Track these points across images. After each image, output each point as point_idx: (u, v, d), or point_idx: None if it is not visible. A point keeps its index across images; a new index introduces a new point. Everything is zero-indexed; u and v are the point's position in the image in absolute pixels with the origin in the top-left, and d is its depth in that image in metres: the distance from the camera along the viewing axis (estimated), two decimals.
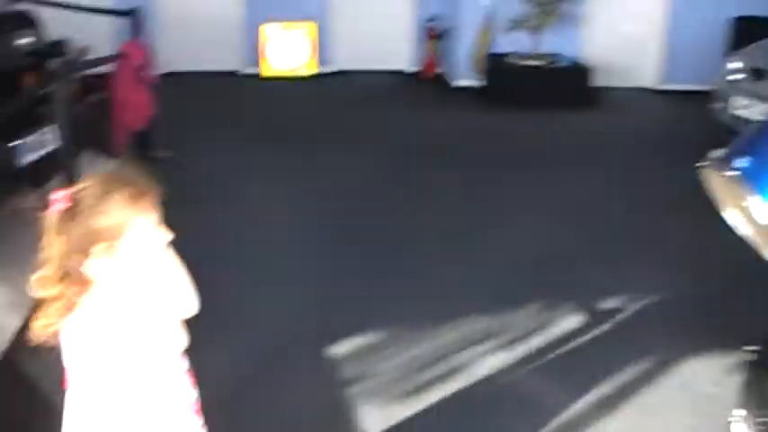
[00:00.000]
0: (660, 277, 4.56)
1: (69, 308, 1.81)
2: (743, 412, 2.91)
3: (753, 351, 2.84)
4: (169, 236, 1.88)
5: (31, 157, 4.56)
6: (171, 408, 1.98)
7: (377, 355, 3.67)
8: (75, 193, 1.79)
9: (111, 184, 1.79)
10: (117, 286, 1.82)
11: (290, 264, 4.66)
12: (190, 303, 1.97)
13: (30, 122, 4.65)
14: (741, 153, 2.51)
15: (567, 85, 8.91)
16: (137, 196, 1.80)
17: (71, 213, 1.77)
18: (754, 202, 2.40)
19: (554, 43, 9.19)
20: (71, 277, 1.80)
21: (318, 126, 7.81)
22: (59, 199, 1.78)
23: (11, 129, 4.33)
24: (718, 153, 2.60)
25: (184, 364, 2.07)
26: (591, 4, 9.53)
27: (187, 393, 2.07)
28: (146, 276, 1.86)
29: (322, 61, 10.36)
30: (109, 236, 1.78)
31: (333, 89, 9.62)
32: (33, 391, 3.21)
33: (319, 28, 10.24)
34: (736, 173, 2.44)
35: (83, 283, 1.81)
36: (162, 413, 1.95)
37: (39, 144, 4.63)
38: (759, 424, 2.86)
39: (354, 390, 3.39)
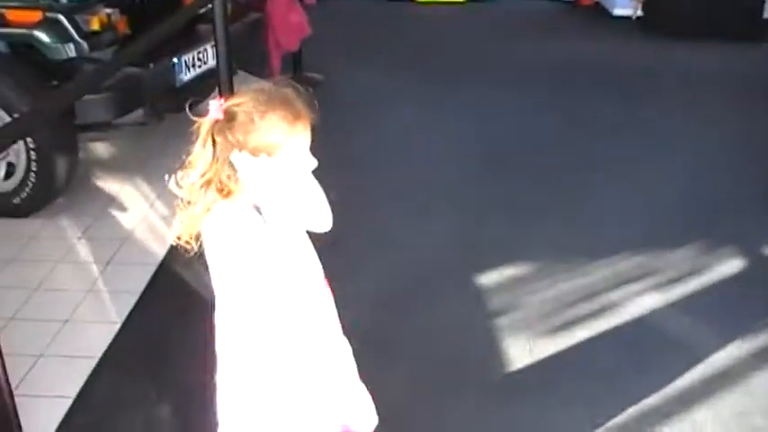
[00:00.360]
0: None
1: (205, 213, 1.82)
2: None
3: None
4: (314, 162, 1.85)
5: (189, 74, 4.65)
6: (315, 328, 1.99)
7: (525, 287, 3.61)
8: (231, 105, 1.78)
9: (267, 103, 1.76)
10: (259, 200, 1.80)
11: (434, 194, 4.61)
12: (324, 219, 1.91)
13: (189, 40, 4.74)
14: None
15: (735, 15, 8.33)
16: (292, 118, 1.76)
17: (224, 125, 1.76)
18: None
19: None
20: (212, 186, 1.80)
21: (469, 53, 7.64)
22: (214, 108, 1.78)
23: (171, 46, 4.41)
24: None
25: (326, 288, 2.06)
26: None
27: (331, 315, 2.07)
28: (287, 193, 1.82)
29: None
30: (259, 153, 1.75)
31: (487, 15, 9.38)
32: (190, 299, 3.33)
33: None
34: None
35: (224, 192, 1.80)
36: (306, 333, 1.96)
37: (198, 61, 4.72)
38: None
39: (501, 322, 3.35)
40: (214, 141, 1.77)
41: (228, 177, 1.79)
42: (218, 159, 1.77)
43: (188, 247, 1.86)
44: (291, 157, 1.78)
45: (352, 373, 2.17)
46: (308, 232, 1.96)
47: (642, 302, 3.50)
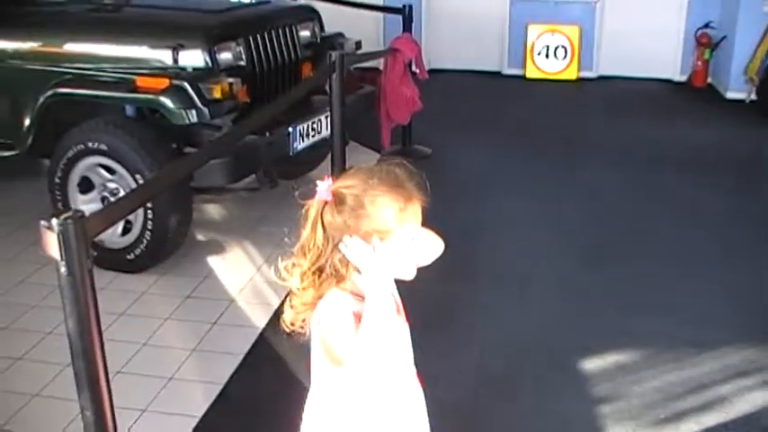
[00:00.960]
0: None
1: (317, 300, 1.76)
2: None
3: None
4: (442, 245, 1.82)
5: (303, 143, 4.78)
6: (401, 412, 1.91)
7: (631, 376, 3.51)
8: (340, 187, 1.72)
9: (378, 186, 1.70)
10: (370, 287, 1.70)
11: (541, 273, 4.57)
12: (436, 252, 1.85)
13: (305, 111, 4.89)
14: None
15: None
16: (404, 201, 1.70)
17: (334, 208, 1.71)
18: None
19: None
20: (325, 271, 1.74)
21: (577, 133, 7.61)
22: (323, 190, 1.73)
23: (289, 115, 4.55)
24: None
25: (413, 369, 1.96)
26: None
27: (417, 397, 1.97)
28: (399, 277, 1.78)
29: (584, 66, 10.13)
30: (370, 237, 1.70)
31: (595, 95, 9.37)
32: (287, 371, 3.37)
33: (582, 32, 10.01)
34: None
35: (338, 277, 1.75)
36: (392, 417, 1.88)
37: (312, 131, 4.85)
38: None
39: (605, 410, 3.27)
40: (324, 225, 1.72)
41: (341, 262, 1.73)
42: (328, 244, 1.72)
43: (300, 332, 1.82)
44: (404, 242, 1.73)
45: None
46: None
47: (752, 398, 3.36)
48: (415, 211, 1.74)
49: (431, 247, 1.84)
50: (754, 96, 8.82)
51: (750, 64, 8.86)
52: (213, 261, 4.65)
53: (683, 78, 9.93)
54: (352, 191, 1.71)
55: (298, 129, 4.71)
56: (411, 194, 1.73)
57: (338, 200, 1.71)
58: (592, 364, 3.59)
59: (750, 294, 4.36)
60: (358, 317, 1.70)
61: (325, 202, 1.72)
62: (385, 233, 1.70)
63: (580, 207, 5.62)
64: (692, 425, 3.18)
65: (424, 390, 1.97)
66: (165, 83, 4.19)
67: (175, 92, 4.18)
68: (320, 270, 1.75)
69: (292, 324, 1.83)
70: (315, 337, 1.79)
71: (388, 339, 1.68)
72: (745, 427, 3.20)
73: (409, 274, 1.80)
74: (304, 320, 1.82)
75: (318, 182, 1.75)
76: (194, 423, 3.16)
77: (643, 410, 3.26)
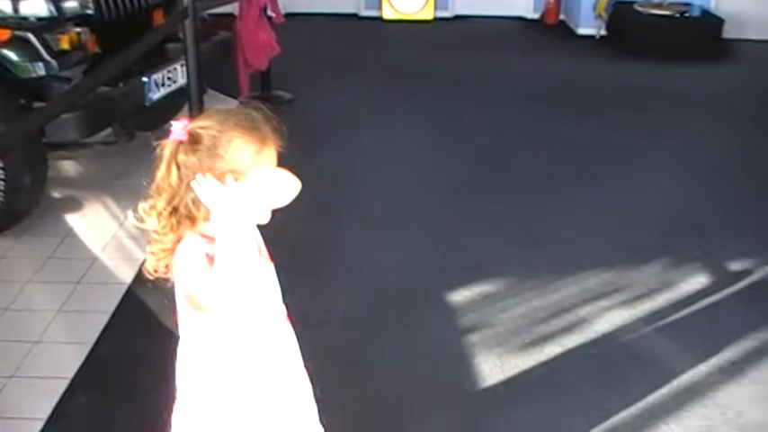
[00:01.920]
0: None
1: (176, 244, 1.75)
2: None
3: None
4: (298, 185, 1.81)
5: (160, 93, 4.66)
6: (274, 351, 1.92)
7: (496, 304, 3.64)
8: (196, 128, 1.71)
9: (235, 127, 1.70)
10: (222, 226, 1.67)
11: (406, 211, 4.65)
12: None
13: (159, 59, 4.75)
14: None
15: (696, 36, 8.52)
16: (259, 143, 1.71)
17: (189, 148, 1.69)
18: None
19: None
20: (180, 213, 1.73)
21: (437, 71, 7.71)
22: (178, 130, 1.71)
23: (142, 65, 4.41)
24: None
25: (283, 309, 1.97)
26: None
27: (288, 338, 1.98)
28: (256, 218, 1.77)
29: (440, 5, 10.22)
30: (224, 177, 1.68)
31: (452, 34, 9.49)
32: (157, 323, 3.33)
33: None
34: None
35: (192, 219, 1.74)
36: (265, 360, 1.89)
37: (168, 80, 4.72)
38: None
39: (473, 338, 3.39)
40: (178, 165, 1.70)
41: (194, 202, 1.71)
42: (182, 183, 1.70)
43: (164, 278, 1.79)
44: (258, 183, 1.72)
45: (312, 414, 2.09)
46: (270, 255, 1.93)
47: (610, 318, 3.55)
48: (270, 153, 1.74)
49: (286, 187, 1.83)
50: (603, 32, 9.15)
51: (598, 1, 9.15)
52: (73, 219, 4.50)
53: (537, 16, 10.16)
54: (208, 131, 1.70)
55: (153, 78, 4.58)
56: (267, 137, 1.74)
57: (193, 139, 1.70)
58: (459, 296, 3.69)
59: (608, 219, 4.58)
60: (212, 259, 1.68)
61: (180, 142, 1.71)
62: (240, 174, 1.70)
63: (443, 144, 5.73)
64: (555, 347, 3.34)
65: (294, 330, 1.99)
66: (6, 34, 3.98)
67: (19, 43, 3.98)
68: (175, 210, 1.73)
69: (155, 271, 1.80)
70: (176, 283, 1.78)
71: (243, 280, 1.66)
72: (605, 346, 3.38)
73: (263, 217, 1.80)
74: (167, 266, 1.79)
75: (173, 122, 1.73)
76: (65, 385, 3.08)
77: (509, 337, 3.40)
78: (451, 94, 6.93)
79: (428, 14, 10.13)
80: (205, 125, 1.71)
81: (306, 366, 2.02)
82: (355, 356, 3.24)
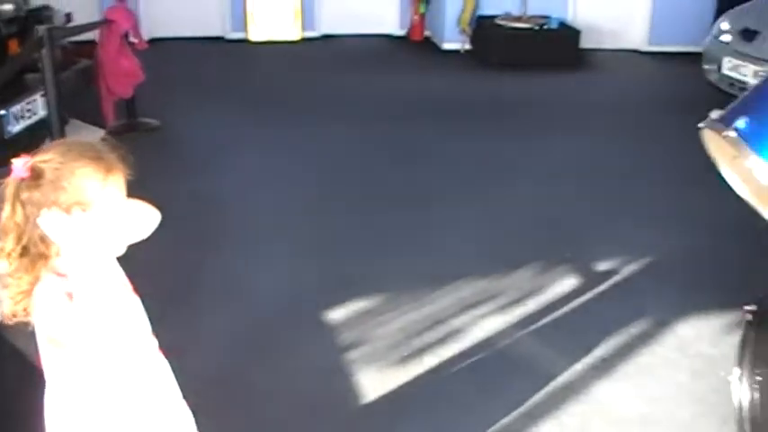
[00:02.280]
0: (655, 238, 4.57)
1: (33, 285, 1.69)
2: (739, 371, 2.94)
3: (749, 311, 2.85)
4: (157, 216, 1.79)
5: (19, 126, 4.51)
6: (147, 386, 1.87)
7: (374, 319, 3.67)
8: (37, 162, 1.66)
9: (77, 158, 1.66)
10: (80, 260, 1.64)
11: (283, 231, 4.64)
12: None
13: (18, 90, 4.60)
14: (740, 113, 2.49)
15: (555, 47, 8.88)
16: (104, 172, 1.67)
17: (32, 184, 1.64)
18: (753, 161, 2.40)
19: (542, 5, 9.15)
20: (31, 252, 1.67)
21: (307, 92, 7.74)
22: (19, 166, 1.65)
23: (0, 97, 4.27)
24: (717, 114, 2.59)
25: (155, 342, 1.93)
26: None
27: (162, 370, 1.94)
28: (111, 251, 1.73)
29: (307, 26, 10.27)
30: (71, 209, 1.64)
31: (320, 54, 9.55)
32: (24, 363, 3.20)
33: None
34: (735, 133, 2.43)
35: (44, 257, 1.68)
36: (138, 392, 1.85)
37: (27, 112, 4.57)
38: (755, 382, 2.88)
39: (352, 355, 3.40)
40: (22, 202, 1.65)
41: (43, 239, 1.66)
42: (29, 221, 1.64)
43: (24, 320, 1.72)
44: (107, 212, 1.69)
45: None
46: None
47: (486, 326, 3.63)
48: (117, 181, 1.71)
49: (144, 217, 1.80)
50: (468, 46, 9.39)
51: (461, 16, 9.38)
52: None
53: (403, 33, 10.34)
54: (50, 164, 1.65)
55: (11, 111, 4.43)
56: (113, 165, 1.70)
57: (36, 174, 1.65)
58: (337, 314, 3.70)
59: (481, 228, 4.70)
60: (71, 296, 1.64)
61: (22, 179, 1.65)
62: (86, 205, 1.66)
63: (316, 164, 5.74)
64: (434, 358, 3.38)
65: (171, 362, 1.95)
66: None
67: None
68: (26, 250, 1.68)
69: (14, 315, 1.73)
70: (36, 326, 1.72)
71: (104, 314, 1.62)
72: (481, 352, 3.45)
73: (119, 249, 1.77)
74: (26, 309, 1.72)
75: (14, 160, 1.67)
76: None
77: (388, 351, 3.43)
78: (322, 115, 6.96)
79: (295, 35, 10.16)
80: (47, 158, 1.66)
81: (186, 398, 1.98)
82: (236, 382, 3.19)
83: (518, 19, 8.97)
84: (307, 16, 10.23)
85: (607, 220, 4.86)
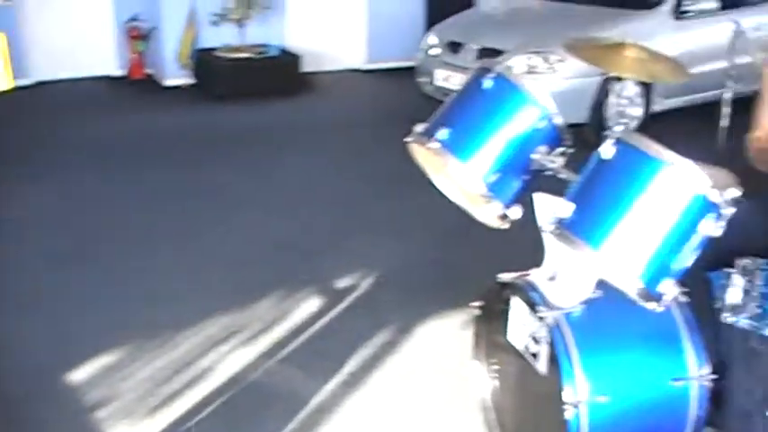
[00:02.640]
0: (391, 250, 4.76)
1: None
2: (477, 363, 3.13)
3: (476, 306, 3.03)
4: None
5: None
6: None
7: (119, 374, 3.52)
8: None
9: None
10: None
11: (12, 290, 4.34)
12: None
13: None
14: (441, 125, 2.65)
15: (277, 73, 8.99)
16: None
17: None
18: (458, 168, 2.56)
19: (260, 34, 9.25)
20: None
21: (23, 142, 7.28)
22: None
23: None
24: (422, 127, 2.73)
25: None
26: None
27: None
28: None
29: (19, 73, 9.70)
30: None
31: (35, 102, 9.04)
32: None
33: (10, 39, 9.56)
34: (438, 144, 2.58)
35: None
36: None
37: None
38: (493, 371, 3.08)
39: (100, 415, 3.24)
40: None
41: None
42: None
43: None
44: None
45: None
46: None
47: (234, 361, 3.60)
48: None
49: None
50: (191, 81, 9.29)
51: (181, 50, 9.27)
52: None
53: (122, 73, 10.04)
54: None
55: None
56: None
57: None
58: (81, 373, 3.52)
59: (219, 262, 4.64)
60: None
61: None
62: None
63: (44, 217, 5.42)
64: (185, 401, 3.30)
65: None
66: None
67: None
68: None
69: None
70: None
71: None
72: (232, 388, 3.41)
73: None
74: None
75: None
76: None
77: (136, 404, 3.30)
78: (40, 162, 6.59)
79: (6, 84, 9.56)
80: None
81: None
82: None
83: (237, 49, 8.99)
84: (17, 63, 9.66)
85: (344, 238, 4.99)
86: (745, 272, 2.48)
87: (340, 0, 9.99)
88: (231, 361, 3.60)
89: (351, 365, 3.58)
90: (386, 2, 9.94)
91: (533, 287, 2.71)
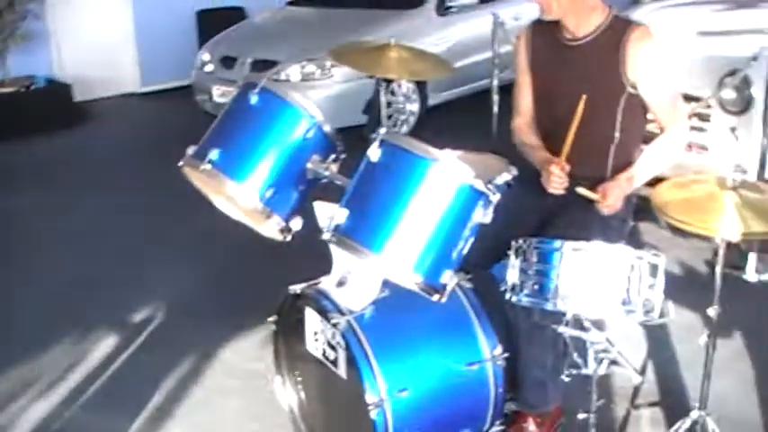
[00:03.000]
0: (183, 274, 4.67)
1: None
2: (280, 377, 3.14)
3: (272, 321, 3.04)
4: None
5: None
6: None
7: None
8: None
9: None
10: None
11: None
12: None
13: None
14: (211, 145, 2.63)
15: (48, 106, 8.50)
16: None
17: None
18: (232, 188, 2.55)
19: (25, 65, 8.76)
20: None
21: None
22: None
23: None
24: (193, 149, 2.70)
25: None
26: (56, 20, 9.20)
27: None
28: None
29: None
30: None
31: None
32: None
33: None
34: (210, 166, 2.56)
35: None
36: None
37: None
38: (297, 383, 3.09)
39: None
40: None
41: None
42: None
43: None
44: None
45: None
46: None
47: (32, 415, 3.39)
48: None
49: None
50: None
51: None
52: None
53: None
54: None
55: None
56: None
57: None
58: None
59: (10, 313, 4.35)
60: None
61: None
62: None
63: None
64: None
65: None
66: None
67: None
68: None
69: None
70: None
71: None
72: None
73: None
74: None
75: None
76: None
77: None
78: None
79: None
80: None
81: None
82: None
83: (0, 84, 8.50)
84: None
85: (137, 268, 4.82)
86: (518, 252, 2.60)
87: (106, 24, 9.63)
88: (30, 415, 3.40)
89: (156, 400, 3.47)
90: (154, 22, 9.67)
91: (324, 295, 2.74)
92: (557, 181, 2.88)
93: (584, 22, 2.97)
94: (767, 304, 4.18)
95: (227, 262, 4.81)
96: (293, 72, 6.83)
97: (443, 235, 2.31)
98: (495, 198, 2.41)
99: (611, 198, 2.85)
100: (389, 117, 6.99)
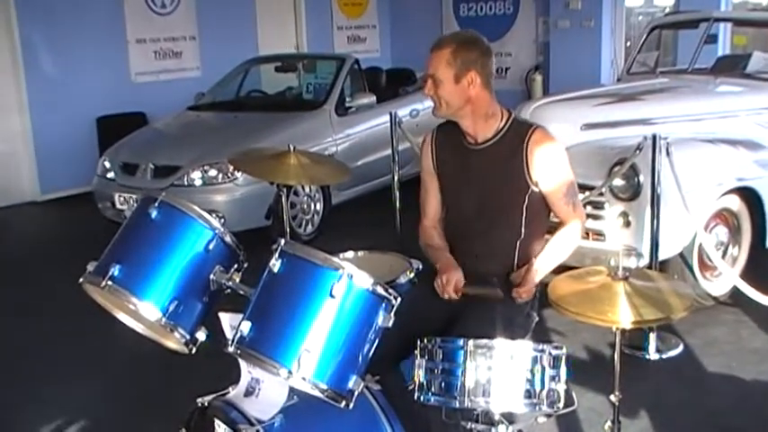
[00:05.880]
0: (89, 391, 4.54)
1: None
2: None
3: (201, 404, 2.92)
4: None
5: None
6: None
7: None
8: None
9: None
10: None
11: None
12: None
13: None
14: (112, 261, 2.59)
15: None
16: None
17: None
18: (136, 304, 2.52)
19: None
20: None
21: None
22: None
23: None
24: (93, 265, 2.66)
25: None
26: None
27: None
28: None
29: None
30: None
31: None
32: None
33: None
34: (112, 282, 2.52)
35: None
36: None
37: None
38: None
39: None
40: None
41: None
42: None
43: None
44: None
45: None
46: None
47: None
48: None
49: None
50: None
51: None
52: None
53: None
54: None
55: None
56: None
57: None
58: None
59: None
60: None
61: None
62: None
63: None
64: None
65: None
66: None
67: None
68: None
69: None
70: None
71: None
72: None
73: None
74: None
75: None
76: None
77: None
78: None
79: None
80: None
81: None
82: None
83: None
84: None
85: (37, 388, 4.62)
86: (423, 352, 2.64)
87: (1, 133, 9.46)
88: None
89: None
90: (53, 129, 9.54)
91: (233, 405, 2.71)
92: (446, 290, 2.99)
93: (482, 129, 3.09)
94: (669, 382, 4.31)
95: (135, 374, 4.67)
96: (196, 177, 6.82)
97: (347, 342, 2.34)
98: (397, 302, 2.46)
99: (528, 283, 2.98)
100: (294, 218, 7.02)
